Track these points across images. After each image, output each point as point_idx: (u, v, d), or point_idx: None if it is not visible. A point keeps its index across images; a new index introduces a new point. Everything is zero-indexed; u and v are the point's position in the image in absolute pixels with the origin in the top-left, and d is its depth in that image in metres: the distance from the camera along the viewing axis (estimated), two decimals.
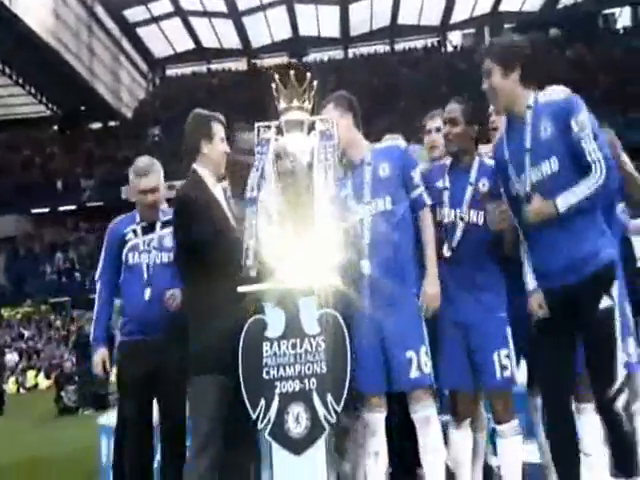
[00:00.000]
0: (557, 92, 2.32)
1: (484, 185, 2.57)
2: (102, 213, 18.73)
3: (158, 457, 2.96)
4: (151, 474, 2.90)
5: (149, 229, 3.00)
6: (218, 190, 2.66)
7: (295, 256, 2.29)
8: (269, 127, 2.45)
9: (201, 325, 2.40)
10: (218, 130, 2.66)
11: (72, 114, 28.82)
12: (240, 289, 2.26)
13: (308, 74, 2.41)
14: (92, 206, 23.46)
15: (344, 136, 2.53)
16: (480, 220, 2.54)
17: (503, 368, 2.47)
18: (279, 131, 2.43)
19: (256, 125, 2.49)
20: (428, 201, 2.56)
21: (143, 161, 3.04)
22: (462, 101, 2.63)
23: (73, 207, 24.81)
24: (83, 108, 29.02)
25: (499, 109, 2.44)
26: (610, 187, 2.23)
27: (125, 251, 2.97)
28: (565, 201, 2.20)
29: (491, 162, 2.57)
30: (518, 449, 2.50)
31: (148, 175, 2.98)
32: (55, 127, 29.82)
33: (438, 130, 2.91)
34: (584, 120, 2.21)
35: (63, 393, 9.93)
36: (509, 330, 2.51)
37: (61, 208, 25.01)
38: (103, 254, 3.06)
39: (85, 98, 28.13)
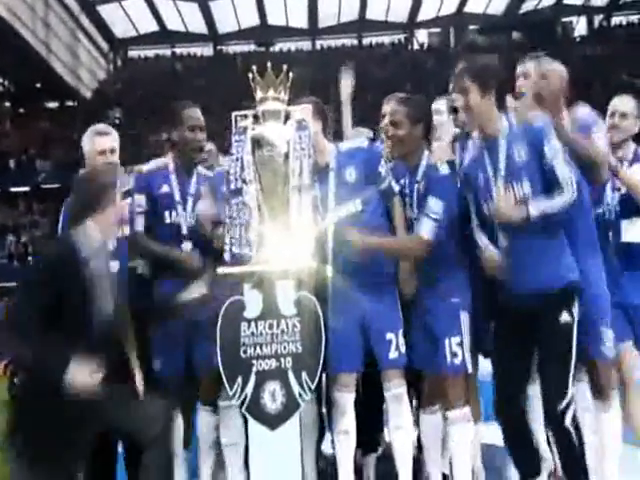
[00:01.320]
0: (530, 117, 2.41)
1: (423, 187, 2.61)
2: (57, 196, 18.16)
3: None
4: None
5: None
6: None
7: (273, 241, 2.38)
8: (246, 116, 2.52)
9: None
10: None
11: (27, 91, 27.71)
12: (220, 270, 2.33)
13: (284, 65, 2.49)
14: (47, 188, 22.73)
15: (314, 140, 2.58)
16: None
17: (453, 355, 2.54)
18: (256, 120, 2.50)
19: (233, 114, 2.55)
20: (396, 190, 2.66)
21: (101, 125, 3.05)
22: (405, 102, 2.65)
23: (26, 188, 23.96)
24: (39, 85, 27.94)
25: (472, 128, 2.51)
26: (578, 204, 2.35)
27: None
28: (537, 207, 2.28)
29: (442, 159, 2.65)
30: (468, 436, 2.59)
31: (109, 135, 2.97)
32: (7, 104, 28.62)
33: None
34: (556, 144, 2.33)
35: (16, 380, 9.65)
36: (464, 318, 2.58)
37: (13, 189, 24.10)
38: (61, 231, 2.95)
39: (41, 75, 27.07)
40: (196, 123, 2.85)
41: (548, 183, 2.32)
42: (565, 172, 2.29)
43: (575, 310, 2.31)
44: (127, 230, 2.87)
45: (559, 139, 2.37)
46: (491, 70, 2.42)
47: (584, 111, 2.65)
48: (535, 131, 2.34)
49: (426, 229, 2.47)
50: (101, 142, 2.93)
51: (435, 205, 2.47)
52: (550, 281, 2.32)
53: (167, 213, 2.81)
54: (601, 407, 2.56)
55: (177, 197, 2.82)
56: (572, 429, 2.32)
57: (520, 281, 2.33)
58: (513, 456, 2.45)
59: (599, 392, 2.56)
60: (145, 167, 2.92)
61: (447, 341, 2.53)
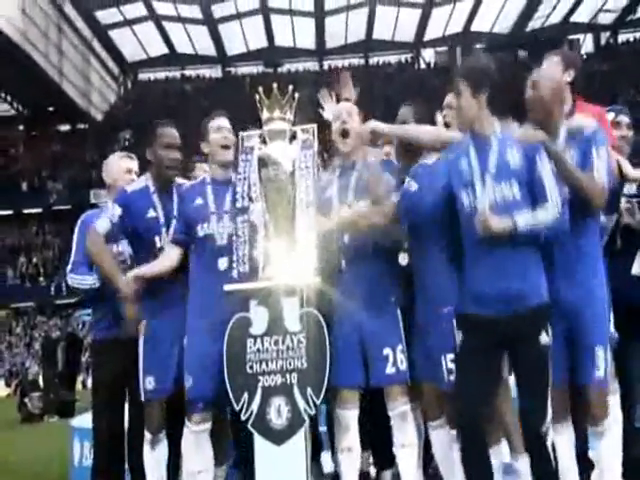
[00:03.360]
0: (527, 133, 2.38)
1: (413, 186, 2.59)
2: (68, 217, 18.39)
3: None
4: (123, 475, 2.93)
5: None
6: None
7: (278, 257, 2.42)
8: (252, 136, 2.58)
9: None
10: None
11: (39, 114, 28.26)
12: (226, 287, 2.37)
13: (290, 86, 2.55)
14: (58, 209, 23.01)
15: (359, 138, 2.61)
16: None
17: (449, 372, 2.44)
18: (262, 140, 2.56)
19: (240, 134, 2.61)
20: (394, 198, 2.57)
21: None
22: (412, 105, 2.71)
23: (38, 210, 24.27)
24: (51, 109, 28.49)
25: (464, 129, 2.46)
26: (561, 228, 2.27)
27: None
28: (524, 220, 2.23)
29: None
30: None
31: (133, 159, 3.16)
32: (21, 127, 29.17)
33: None
34: (546, 161, 2.30)
35: (27, 400, 9.68)
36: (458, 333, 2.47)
37: (25, 210, 24.42)
38: (76, 247, 3.03)
39: (53, 99, 27.63)
40: (171, 141, 2.84)
41: (534, 194, 2.27)
42: (553, 189, 2.26)
43: (550, 331, 2.25)
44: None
45: (556, 165, 2.33)
46: (483, 71, 2.40)
47: (584, 123, 2.51)
48: (529, 146, 2.31)
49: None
50: (128, 163, 3.14)
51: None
52: (528, 297, 2.25)
53: (157, 238, 2.76)
54: (597, 435, 2.42)
55: (162, 221, 2.79)
56: (551, 452, 2.26)
57: (493, 292, 2.25)
58: (469, 472, 2.32)
59: (593, 419, 2.41)
60: (128, 187, 2.87)
61: (443, 358, 2.46)
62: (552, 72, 2.54)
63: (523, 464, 2.40)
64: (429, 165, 2.58)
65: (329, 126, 2.81)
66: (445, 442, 2.53)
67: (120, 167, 3.12)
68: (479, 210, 2.27)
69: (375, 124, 2.62)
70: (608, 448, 2.41)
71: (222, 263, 2.59)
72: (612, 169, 2.56)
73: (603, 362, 2.38)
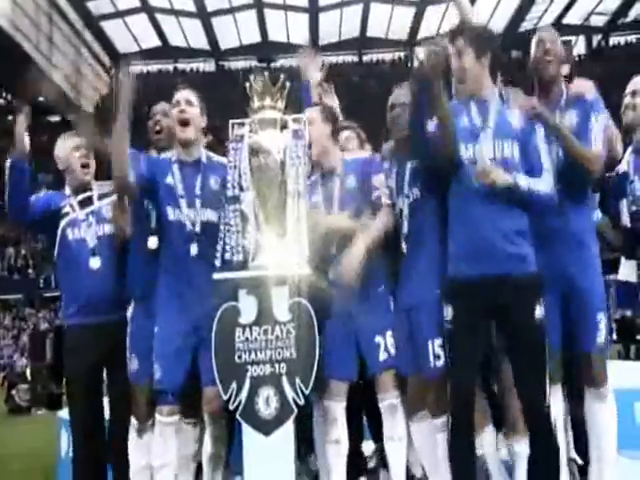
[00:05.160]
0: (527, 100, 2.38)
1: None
2: None
3: None
4: (104, 468, 2.90)
5: (86, 203, 2.99)
6: None
7: (268, 247, 2.41)
8: (243, 124, 2.56)
9: None
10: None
11: (29, 105, 27.91)
12: (215, 276, 2.35)
13: (281, 75, 2.53)
14: None
15: (321, 143, 2.63)
16: (419, 195, 2.55)
17: (436, 357, 2.47)
18: (252, 128, 2.54)
19: (230, 122, 2.59)
20: (384, 201, 2.63)
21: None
22: (406, 88, 2.68)
23: None
24: (41, 99, 28.16)
25: (466, 91, 2.39)
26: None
27: (62, 226, 2.91)
28: (524, 182, 2.20)
29: None
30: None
31: (79, 137, 3.07)
32: (9, 117, 28.83)
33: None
34: (542, 131, 2.31)
35: (14, 392, 9.62)
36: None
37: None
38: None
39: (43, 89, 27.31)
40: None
41: (531, 160, 2.25)
42: (547, 162, 2.26)
43: (543, 303, 2.23)
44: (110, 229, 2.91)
45: (553, 134, 2.32)
46: (485, 33, 2.41)
47: (584, 87, 2.50)
48: (529, 120, 2.29)
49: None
50: (74, 141, 3.03)
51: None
52: (522, 262, 2.21)
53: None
54: (596, 396, 2.43)
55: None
56: (555, 429, 2.27)
57: (486, 250, 2.20)
58: (455, 460, 2.30)
59: (593, 381, 2.43)
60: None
61: (430, 342, 2.47)
62: (556, 35, 2.57)
63: (523, 446, 2.39)
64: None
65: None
66: (427, 434, 2.53)
67: (66, 148, 3.03)
68: (480, 160, 2.23)
69: None
70: (608, 411, 2.43)
71: (193, 249, 2.57)
72: (609, 140, 2.56)
73: (604, 327, 2.40)
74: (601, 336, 2.41)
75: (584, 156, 2.37)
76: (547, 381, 2.24)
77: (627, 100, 2.66)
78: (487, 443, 2.43)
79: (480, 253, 2.22)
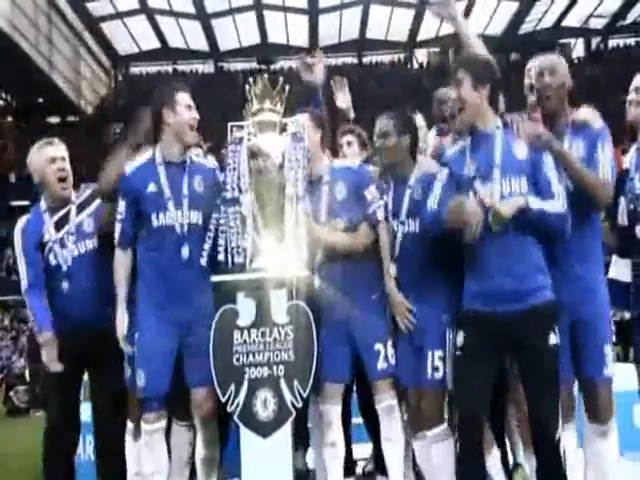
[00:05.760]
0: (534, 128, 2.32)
1: (417, 192, 2.58)
2: None
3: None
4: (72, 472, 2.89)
5: (63, 221, 2.85)
6: None
7: (267, 249, 2.41)
8: (242, 127, 2.56)
9: None
10: (182, 98, 2.60)
11: (29, 106, 27.92)
12: (214, 278, 2.35)
13: (280, 78, 2.53)
14: None
15: (309, 150, 2.60)
16: (417, 228, 2.57)
17: (435, 369, 2.47)
18: (251, 131, 2.54)
19: (229, 124, 2.59)
20: (380, 217, 2.61)
21: (47, 139, 2.92)
22: (392, 116, 2.67)
23: (26, 202, 23.99)
24: (41, 100, 28.16)
25: (464, 120, 2.39)
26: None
27: (46, 253, 2.82)
28: (535, 202, 2.19)
29: (430, 171, 2.55)
30: (450, 454, 2.42)
31: (55, 144, 2.88)
32: (10, 118, 28.81)
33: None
34: (550, 157, 2.28)
35: (12, 393, 9.59)
36: (449, 332, 2.49)
37: (13, 203, 24.13)
38: (24, 259, 2.83)
39: (43, 90, 27.31)
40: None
41: (539, 192, 2.24)
42: (558, 186, 2.25)
43: (557, 331, 2.23)
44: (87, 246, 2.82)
45: (561, 162, 2.29)
46: (484, 64, 2.39)
47: (589, 115, 2.46)
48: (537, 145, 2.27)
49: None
50: (50, 150, 2.84)
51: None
52: (535, 294, 2.22)
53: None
54: (599, 433, 2.40)
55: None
56: (563, 456, 2.23)
57: (500, 288, 2.21)
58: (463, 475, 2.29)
59: (597, 416, 2.39)
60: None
61: (430, 354, 2.47)
62: (562, 61, 2.53)
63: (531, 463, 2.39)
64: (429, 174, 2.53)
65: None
66: (427, 448, 2.52)
67: (41, 160, 2.84)
68: (488, 202, 2.20)
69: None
70: (611, 448, 2.39)
71: (185, 252, 2.49)
72: (616, 167, 2.53)
73: (610, 359, 2.37)
74: (607, 367, 2.37)
75: (592, 184, 2.34)
76: (559, 409, 2.21)
77: (631, 96, 2.62)
78: (492, 466, 2.42)
79: (495, 296, 2.22)
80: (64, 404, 2.86)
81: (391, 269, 2.58)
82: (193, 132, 2.59)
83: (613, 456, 2.42)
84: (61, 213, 2.86)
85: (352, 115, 2.88)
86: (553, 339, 2.19)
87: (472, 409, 2.23)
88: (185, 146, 2.60)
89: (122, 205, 2.56)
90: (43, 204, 2.89)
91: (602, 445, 2.40)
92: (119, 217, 2.55)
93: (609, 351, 2.38)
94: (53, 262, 2.81)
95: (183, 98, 2.59)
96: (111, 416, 2.73)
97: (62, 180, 2.84)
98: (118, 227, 2.56)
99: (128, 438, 2.66)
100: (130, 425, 2.67)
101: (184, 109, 2.57)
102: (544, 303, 2.22)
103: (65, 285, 2.78)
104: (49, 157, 2.83)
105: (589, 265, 2.42)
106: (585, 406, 2.44)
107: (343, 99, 2.94)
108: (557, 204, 2.22)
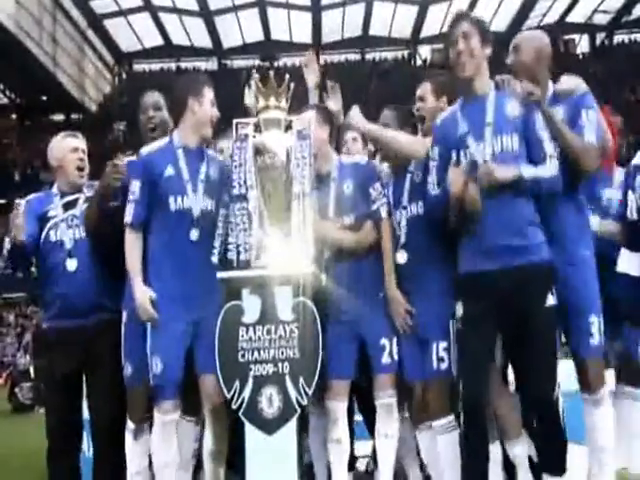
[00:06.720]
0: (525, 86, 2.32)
1: (418, 176, 2.59)
2: None
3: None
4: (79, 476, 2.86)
5: (71, 205, 2.92)
6: None
7: (273, 246, 2.41)
8: (247, 124, 2.56)
9: None
10: (209, 93, 2.65)
11: (33, 104, 27.98)
12: (219, 275, 2.35)
13: (286, 75, 2.53)
14: None
15: (317, 146, 2.61)
16: (420, 211, 2.57)
17: (440, 360, 2.47)
18: (257, 128, 2.54)
19: (234, 121, 2.59)
20: (384, 214, 2.62)
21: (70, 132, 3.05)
22: (394, 108, 2.75)
23: None
24: (45, 98, 28.21)
25: (465, 72, 2.32)
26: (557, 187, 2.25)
27: (46, 229, 2.87)
28: (528, 172, 2.18)
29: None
30: (456, 445, 2.39)
31: (78, 137, 2.99)
32: (14, 116, 28.88)
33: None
34: (542, 118, 2.27)
35: (17, 390, 9.62)
36: (452, 323, 2.46)
37: (18, 200, 24.23)
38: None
39: (47, 88, 27.35)
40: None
41: (532, 148, 2.23)
42: (550, 148, 2.24)
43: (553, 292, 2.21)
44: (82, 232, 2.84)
45: (548, 125, 2.27)
46: (488, 26, 2.40)
47: (572, 83, 2.46)
48: (529, 104, 2.27)
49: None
50: (72, 142, 2.95)
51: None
52: (534, 252, 2.19)
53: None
54: (591, 403, 2.39)
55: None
56: (560, 412, 2.25)
57: (498, 245, 2.18)
58: (468, 448, 2.25)
59: (588, 387, 2.39)
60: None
61: (435, 345, 2.47)
62: (533, 36, 2.56)
63: (520, 449, 2.40)
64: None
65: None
66: (431, 439, 2.54)
67: (63, 147, 2.95)
68: (481, 162, 2.21)
69: (355, 114, 2.57)
70: (605, 416, 2.39)
71: (194, 234, 2.51)
72: (605, 133, 2.52)
73: (597, 330, 2.35)
74: (594, 340, 2.36)
75: (578, 148, 2.31)
76: (557, 370, 2.22)
77: None
78: (518, 454, 2.43)
79: (490, 250, 2.21)
80: (64, 404, 2.85)
81: (398, 256, 2.58)
82: (211, 128, 2.64)
83: (607, 422, 2.41)
84: (71, 198, 2.94)
85: (342, 118, 2.91)
86: (551, 300, 2.18)
87: (477, 380, 2.21)
88: (201, 138, 2.64)
89: (136, 186, 2.56)
90: (55, 189, 2.98)
91: (595, 413, 2.39)
92: (132, 198, 2.55)
93: (596, 322, 2.36)
94: (54, 238, 2.84)
95: (209, 93, 2.64)
96: (110, 415, 2.72)
97: (80, 169, 2.94)
98: (131, 209, 2.55)
99: (128, 438, 2.64)
100: (131, 425, 2.64)
101: (209, 103, 2.62)
102: (542, 262, 2.20)
103: (69, 263, 2.80)
104: (72, 147, 2.94)
105: (574, 235, 2.40)
106: (577, 378, 2.45)
107: (335, 103, 2.97)
108: (549, 167, 2.21)
